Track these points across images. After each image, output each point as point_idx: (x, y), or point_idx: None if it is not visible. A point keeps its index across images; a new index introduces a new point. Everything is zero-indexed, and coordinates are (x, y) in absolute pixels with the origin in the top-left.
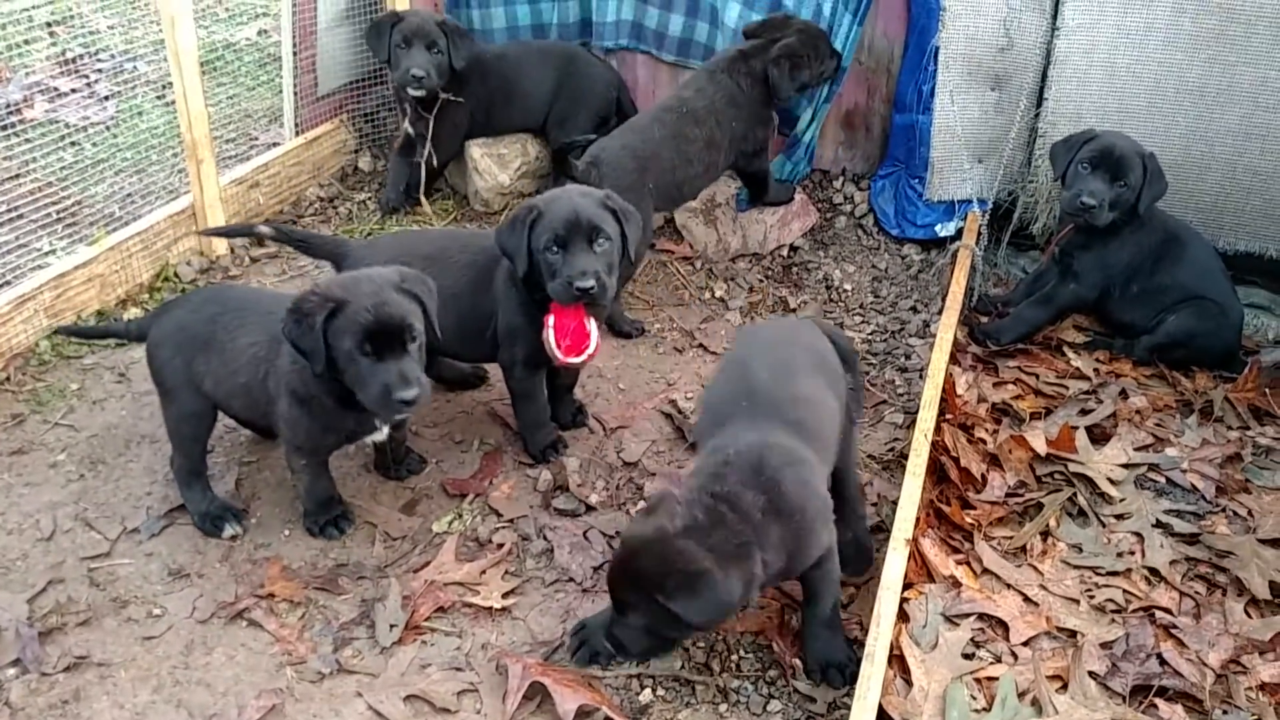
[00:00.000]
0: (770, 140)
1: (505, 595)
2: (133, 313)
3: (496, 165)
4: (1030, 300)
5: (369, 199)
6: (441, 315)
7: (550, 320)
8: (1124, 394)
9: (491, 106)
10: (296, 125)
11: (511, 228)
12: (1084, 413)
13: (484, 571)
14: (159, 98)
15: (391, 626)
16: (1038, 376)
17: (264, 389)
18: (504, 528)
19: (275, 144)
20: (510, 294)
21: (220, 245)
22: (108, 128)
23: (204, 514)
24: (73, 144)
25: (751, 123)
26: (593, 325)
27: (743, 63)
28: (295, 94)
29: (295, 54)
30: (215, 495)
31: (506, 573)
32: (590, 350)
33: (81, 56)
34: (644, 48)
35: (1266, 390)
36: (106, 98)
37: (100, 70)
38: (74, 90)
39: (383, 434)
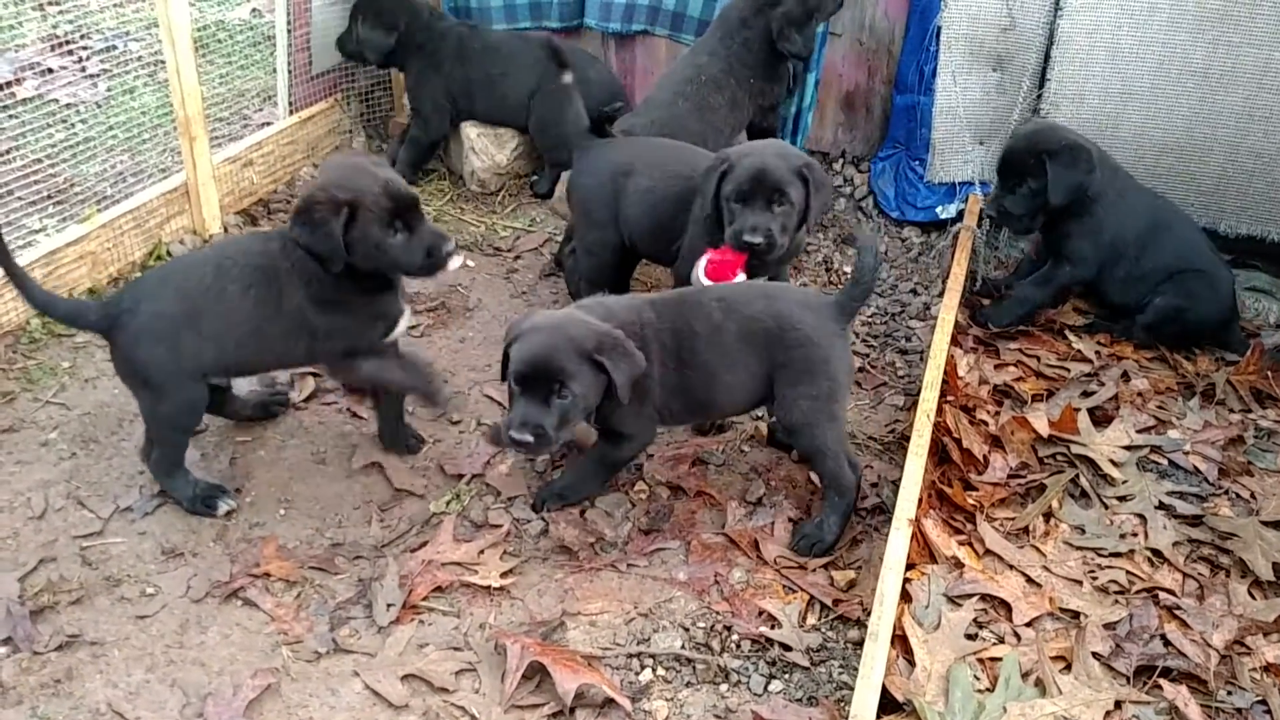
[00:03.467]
0: (784, 95)
1: (504, 575)
2: None
3: (493, 145)
4: (1029, 280)
5: None
6: (647, 213)
7: (707, 255)
8: (1125, 376)
9: (472, 94)
10: (290, 104)
11: (707, 174)
12: (1086, 394)
13: (482, 551)
14: (151, 76)
15: (389, 606)
16: (1039, 359)
17: (282, 322)
18: (502, 508)
19: (269, 123)
20: (699, 222)
21: (214, 223)
22: (99, 105)
23: (194, 498)
24: (64, 122)
25: (768, 79)
26: (741, 277)
27: (745, 29)
28: (289, 72)
29: (290, 31)
30: (197, 478)
31: (505, 553)
32: None
33: (73, 35)
34: (659, 30)
35: (1268, 373)
36: (97, 75)
37: (90, 49)
38: (64, 68)
39: (407, 317)
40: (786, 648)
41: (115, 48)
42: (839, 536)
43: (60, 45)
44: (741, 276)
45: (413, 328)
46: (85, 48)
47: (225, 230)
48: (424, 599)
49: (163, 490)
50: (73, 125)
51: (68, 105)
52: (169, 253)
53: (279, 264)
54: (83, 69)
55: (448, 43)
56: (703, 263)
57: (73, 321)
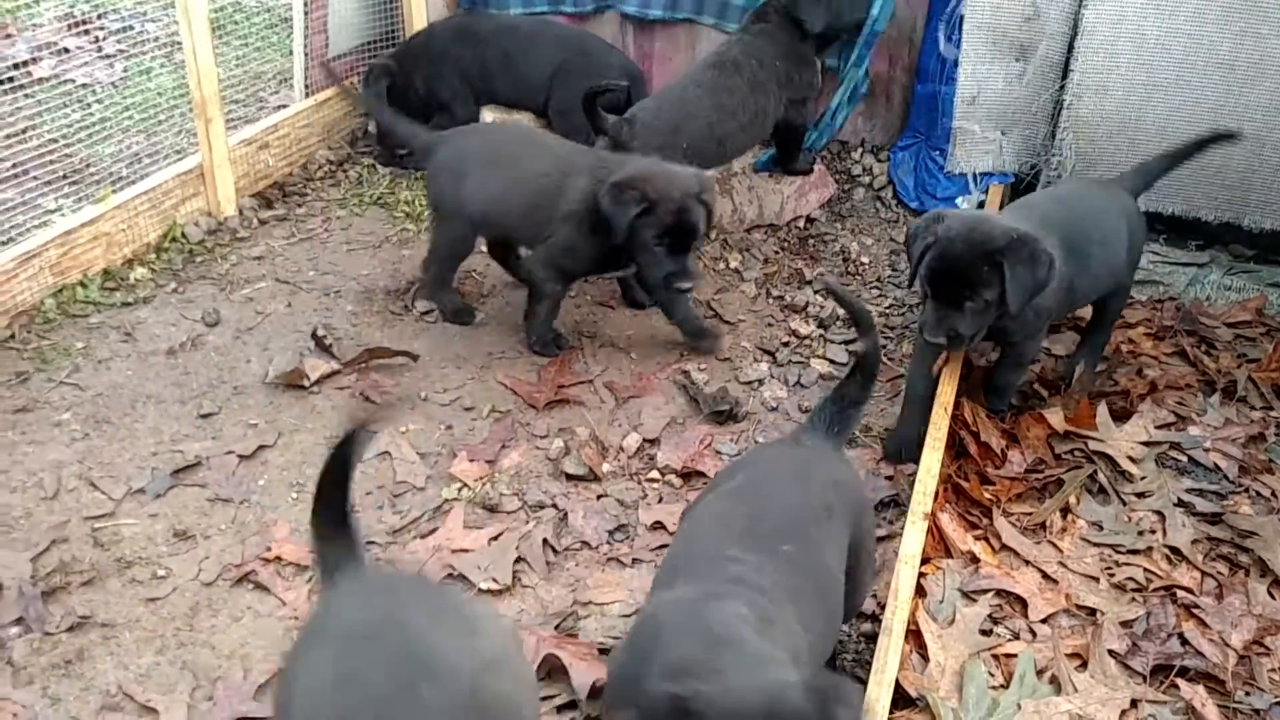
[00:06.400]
0: (815, 88)
1: (515, 563)
2: (139, 273)
3: None
4: (1002, 365)
5: (377, 163)
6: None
7: None
8: (1142, 372)
9: (489, 74)
10: (307, 87)
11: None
12: (1104, 390)
13: (493, 539)
14: (168, 57)
15: None
16: (1055, 355)
17: (546, 211)
18: (514, 494)
19: (284, 105)
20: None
21: (229, 206)
22: (115, 86)
23: (457, 310)
24: (80, 103)
25: (795, 62)
26: None
27: (770, 10)
28: (306, 55)
29: (307, 14)
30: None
31: (517, 540)
32: None
33: (90, 16)
34: (705, 19)
35: None
36: (113, 55)
37: (107, 29)
38: (81, 49)
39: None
40: None
41: (132, 28)
42: None
43: (77, 25)
44: None
45: (426, 312)
46: (102, 28)
47: (240, 213)
48: None
49: (179, 469)
50: (89, 105)
51: (83, 85)
52: (184, 234)
53: (594, 168)
54: (99, 49)
55: (443, 32)
56: None
57: (407, 142)
